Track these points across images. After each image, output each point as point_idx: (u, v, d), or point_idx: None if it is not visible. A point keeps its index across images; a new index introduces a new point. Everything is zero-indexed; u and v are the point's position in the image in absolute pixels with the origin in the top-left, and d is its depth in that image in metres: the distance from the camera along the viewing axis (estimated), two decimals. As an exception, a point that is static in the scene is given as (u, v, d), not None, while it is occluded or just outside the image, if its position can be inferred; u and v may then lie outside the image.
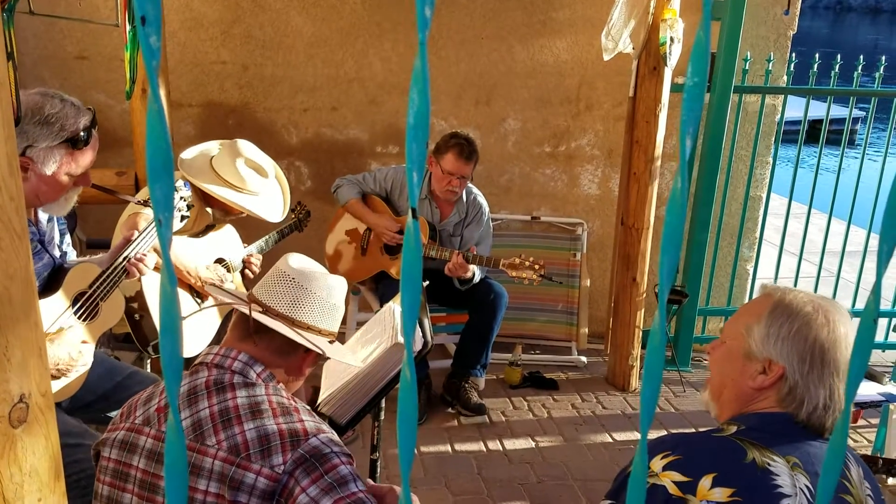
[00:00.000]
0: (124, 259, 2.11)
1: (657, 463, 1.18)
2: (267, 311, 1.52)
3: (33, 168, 1.87)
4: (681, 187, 0.48)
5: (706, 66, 0.47)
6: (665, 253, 0.49)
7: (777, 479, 1.14)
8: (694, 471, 1.15)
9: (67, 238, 2.22)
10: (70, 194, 2.00)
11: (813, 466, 1.17)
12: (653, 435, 1.34)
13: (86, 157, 1.96)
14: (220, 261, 2.84)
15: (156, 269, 2.24)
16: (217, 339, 2.74)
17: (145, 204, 2.37)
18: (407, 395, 0.49)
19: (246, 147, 2.81)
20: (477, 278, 3.47)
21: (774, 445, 1.19)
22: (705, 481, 1.14)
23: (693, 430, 1.32)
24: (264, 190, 2.85)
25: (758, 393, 1.26)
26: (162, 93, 3.51)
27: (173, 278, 0.42)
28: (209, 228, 2.83)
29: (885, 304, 4.70)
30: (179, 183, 2.35)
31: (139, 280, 2.42)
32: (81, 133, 1.91)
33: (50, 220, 2.09)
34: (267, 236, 3.08)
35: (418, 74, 0.43)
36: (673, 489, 1.14)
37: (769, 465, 1.16)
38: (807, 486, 1.15)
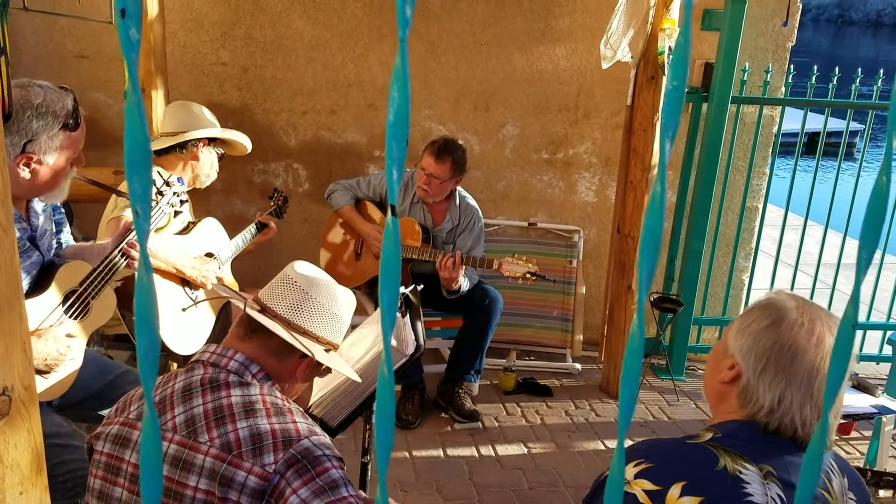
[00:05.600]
0: (123, 243, 2.11)
1: (630, 470, 1.17)
2: (265, 310, 1.52)
3: (37, 161, 1.88)
4: (660, 191, 0.49)
5: (686, 71, 0.47)
6: (643, 255, 0.49)
7: (748, 488, 1.12)
8: (664, 479, 1.14)
9: (67, 228, 2.22)
10: (67, 177, 2.00)
11: (788, 475, 1.14)
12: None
13: (81, 136, 1.98)
14: (208, 255, 2.86)
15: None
16: (213, 337, 2.75)
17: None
18: (384, 392, 0.49)
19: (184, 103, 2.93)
20: (464, 289, 3.45)
21: (749, 453, 1.17)
22: (674, 490, 1.12)
23: (670, 437, 1.30)
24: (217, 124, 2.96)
25: (726, 390, 1.24)
26: (161, 93, 3.54)
27: (149, 270, 0.42)
28: (191, 225, 2.84)
29: (880, 317, 4.70)
30: (173, 178, 2.35)
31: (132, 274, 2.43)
32: (72, 114, 1.92)
33: (45, 209, 2.09)
34: (247, 229, 3.08)
35: (398, 72, 0.44)
36: (643, 497, 1.13)
37: (740, 472, 1.14)
38: (779, 496, 1.13)
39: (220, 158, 2.94)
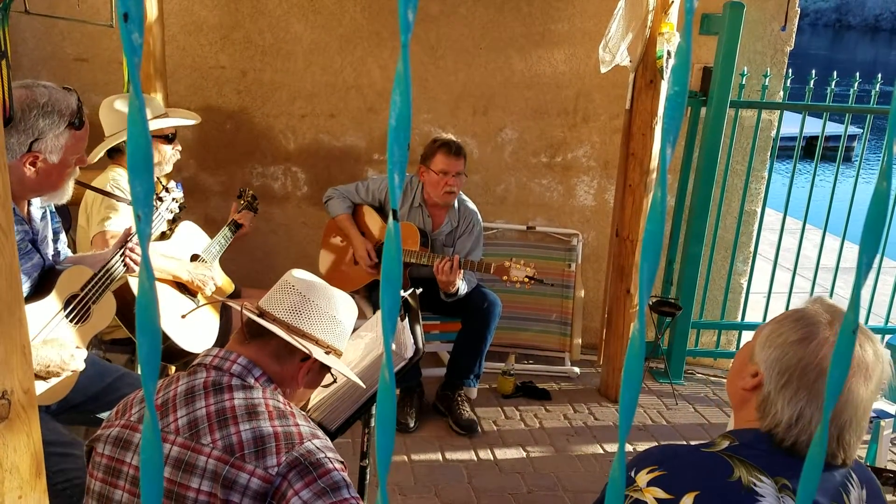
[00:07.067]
0: (123, 250, 2.11)
1: (643, 477, 1.15)
2: (264, 314, 1.53)
3: (42, 161, 1.88)
4: (660, 196, 0.49)
5: (687, 75, 0.47)
6: (645, 259, 0.49)
7: (762, 501, 1.10)
8: (677, 488, 1.12)
9: (63, 237, 2.21)
10: (71, 177, 2.00)
11: None
12: (644, 447, 1.33)
13: (85, 136, 1.99)
14: (195, 257, 2.87)
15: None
16: (220, 335, 2.77)
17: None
18: (385, 396, 0.49)
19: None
20: (462, 291, 3.45)
21: (765, 465, 1.14)
22: (687, 500, 1.11)
23: (685, 443, 1.28)
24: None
25: (747, 396, 1.22)
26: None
27: (151, 275, 0.42)
28: (169, 232, 2.85)
29: (878, 321, 4.71)
30: (172, 184, 2.36)
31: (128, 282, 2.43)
32: (77, 113, 1.93)
33: (43, 217, 2.09)
34: (225, 228, 3.08)
35: (401, 77, 0.44)
36: None
37: (755, 485, 1.12)
38: None
39: (170, 140, 2.89)
